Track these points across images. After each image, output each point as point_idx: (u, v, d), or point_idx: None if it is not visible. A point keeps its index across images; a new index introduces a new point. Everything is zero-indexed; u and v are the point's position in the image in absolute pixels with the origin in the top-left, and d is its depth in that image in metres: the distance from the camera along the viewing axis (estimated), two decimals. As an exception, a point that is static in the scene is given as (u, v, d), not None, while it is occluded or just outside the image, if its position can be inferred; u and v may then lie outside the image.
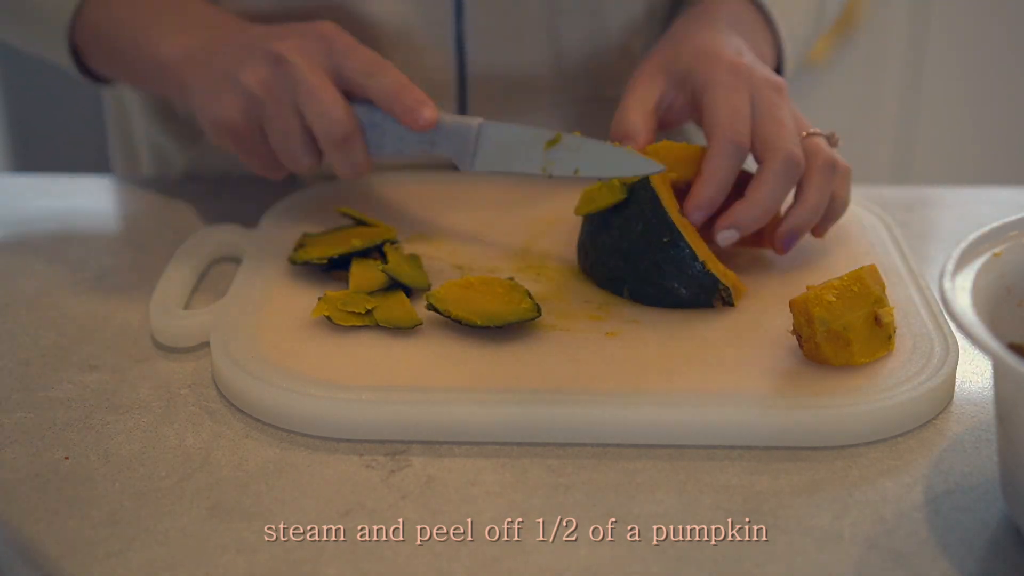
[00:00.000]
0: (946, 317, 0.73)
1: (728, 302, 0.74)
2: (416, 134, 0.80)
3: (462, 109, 0.97)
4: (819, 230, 0.81)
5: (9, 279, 0.84)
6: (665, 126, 0.84)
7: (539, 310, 0.72)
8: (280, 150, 0.81)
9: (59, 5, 0.87)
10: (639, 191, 0.76)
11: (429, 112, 0.79)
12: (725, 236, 0.77)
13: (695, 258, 0.74)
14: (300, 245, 0.81)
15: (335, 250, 0.79)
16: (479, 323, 0.70)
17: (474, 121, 0.80)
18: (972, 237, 0.62)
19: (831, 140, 0.81)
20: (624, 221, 0.76)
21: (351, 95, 0.80)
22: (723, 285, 0.74)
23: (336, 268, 0.79)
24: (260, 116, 0.80)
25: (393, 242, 0.81)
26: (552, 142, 0.78)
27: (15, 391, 0.70)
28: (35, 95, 2.50)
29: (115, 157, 1.13)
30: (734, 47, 0.83)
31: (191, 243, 0.83)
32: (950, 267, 0.59)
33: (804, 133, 0.80)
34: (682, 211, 0.76)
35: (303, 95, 0.78)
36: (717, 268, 0.75)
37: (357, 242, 0.79)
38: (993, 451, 0.64)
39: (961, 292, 0.58)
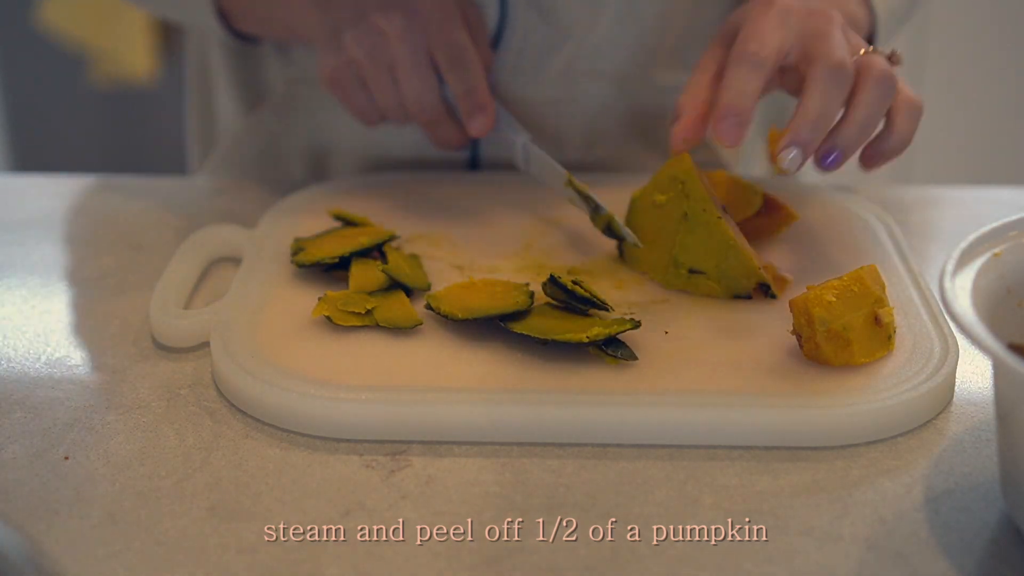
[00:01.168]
0: (946, 317, 0.73)
1: (770, 295, 0.74)
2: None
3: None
4: (869, 159, 0.78)
5: (9, 279, 0.84)
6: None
7: (532, 302, 0.72)
8: (386, 110, 0.87)
9: None
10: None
11: (480, 122, 0.86)
12: (790, 158, 0.74)
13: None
14: (298, 250, 0.80)
15: (342, 249, 0.79)
16: (459, 316, 0.70)
17: (520, 136, 0.88)
18: (972, 237, 0.62)
19: (892, 58, 0.78)
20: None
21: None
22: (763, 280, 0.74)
23: (336, 268, 0.79)
24: (362, 79, 0.86)
25: (393, 238, 0.81)
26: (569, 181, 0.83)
27: (15, 391, 0.70)
28: (35, 95, 2.50)
29: (193, 147, 1.15)
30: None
31: (191, 243, 0.83)
32: (950, 267, 0.59)
33: (861, 51, 0.76)
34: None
35: (399, 74, 0.84)
36: (756, 262, 0.74)
37: (364, 239, 0.79)
38: (993, 451, 0.64)
39: (961, 292, 0.58)
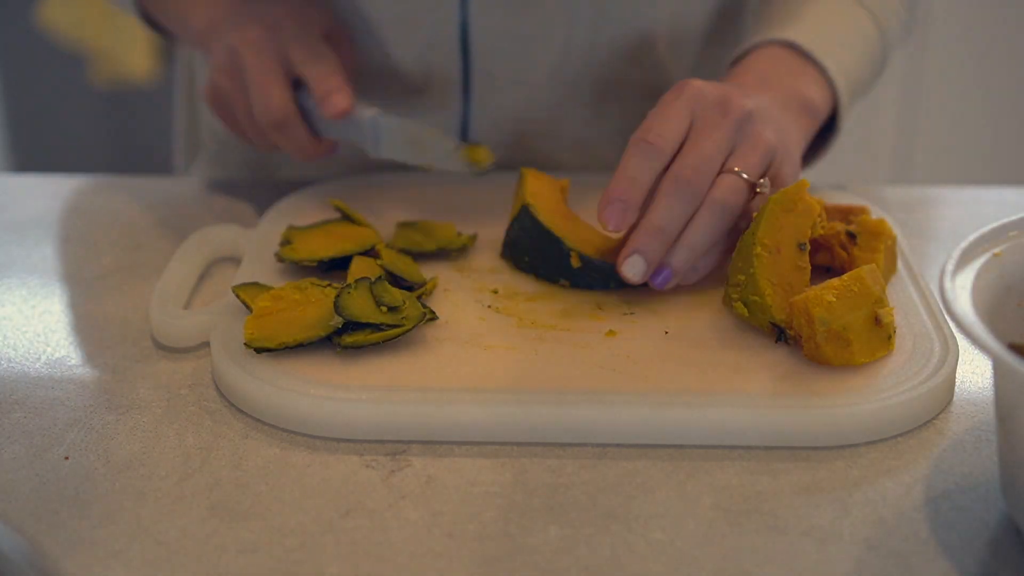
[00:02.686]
0: (946, 317, 0.73)
1: (782, 339, 0.70)
2: (331, 120, 0.86)
3: (465, 83, 0.96)
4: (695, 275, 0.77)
5: (9, 279, 0.84)
6: None
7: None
8: (246, 128, 0.89)
9: None
10: (524, 208, 0.79)
11: (341, 100, 0.84)
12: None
13: (569, 255, 0.77)
14: (286, 241, 0.80)
15: (325, 252, 0.79)
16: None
17: (369, 111, 0.86)
18: (972, 237, 0.62)
19: (756, 185, 0.76)
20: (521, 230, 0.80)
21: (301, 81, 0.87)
22: (782, 326, 0.70)
23: (336, 268, 0.79)
24: (225, 96, 0.88)
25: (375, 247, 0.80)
26: (419, 141, 0.84)
27: (15, 391, 0.70)
28: (35, 95, 2.51)
29: (179, 149, 1.16)
30: (725, 87, 0.79)
31: (191, 243, 0.83)
32: (950, 267, 0.59)
33: (730, 168, 0.75)
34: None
35: (247, 83, 0.86)
36: (783, 303, 0.71)
37: (349, 245, 0.79)
38: (993, 451, 0.64)
39: (961, 292, 0.58)
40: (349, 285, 0.71)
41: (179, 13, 0.93)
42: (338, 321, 0.69)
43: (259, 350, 0.68)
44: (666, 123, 0.76)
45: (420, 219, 0.87)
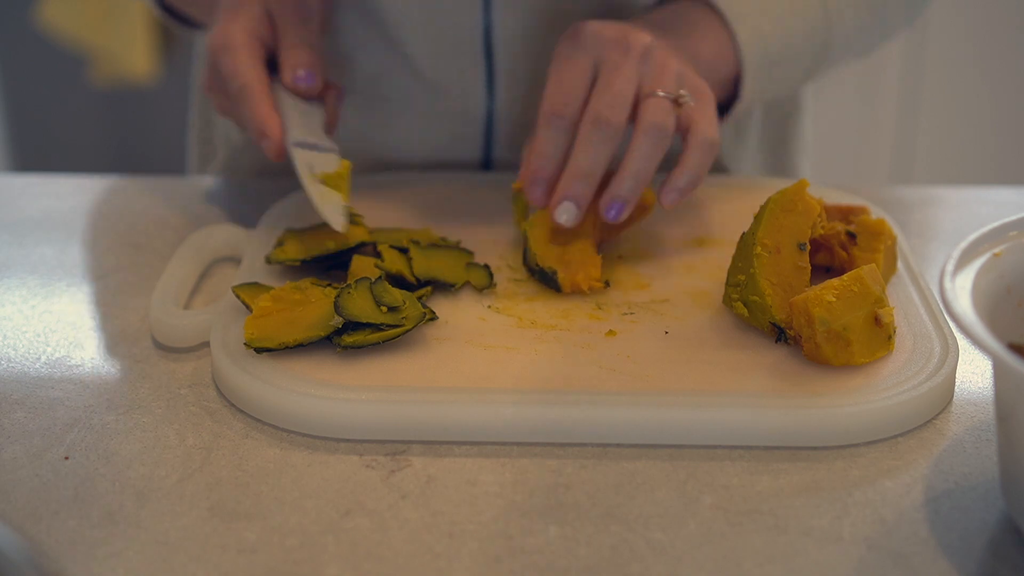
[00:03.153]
0: (946, 317, 0.73)
1: (782, 340, 0.70)
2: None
3: (489, 84, 0.96)
4: (664, 196, 0.78)
5: (9, 279, 0.84)
6: None
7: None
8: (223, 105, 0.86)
9: None
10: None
11: (271, 145, 0.82)
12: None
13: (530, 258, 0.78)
14: (279, 243, 0.80)
15: (307, 252, 0.79)
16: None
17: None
18: (972, 237, 0.62)
19: (677, 100, 0.78)
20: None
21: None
22: (782, 327, 0.70)
23: (336, 267, 0.79)
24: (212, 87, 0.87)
25: (365, 245, 0.80)
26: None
27: (15, 391, 0.70)
28: (35, 95, 2.50)
29: (190, 147, 1.16)
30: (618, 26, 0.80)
31: (191, 243, 0.83)
32: (950, 267, 0.59)
33: (648, 93, 0.77)
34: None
35: (216, 58, 0.84)
36: (783, 303, 0.71)
37: (331, 244, 0.79)
38: (993, 451, 0.64)
39: (961, 292, 0.58)
40: (349, 285, 0.71)
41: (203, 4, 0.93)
42: (338, 321, 0.69)
43: (259, 350, 0.68)
44: (569, 85, 0.78)
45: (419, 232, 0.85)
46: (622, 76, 0.77)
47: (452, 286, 0.76)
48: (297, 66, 0.84)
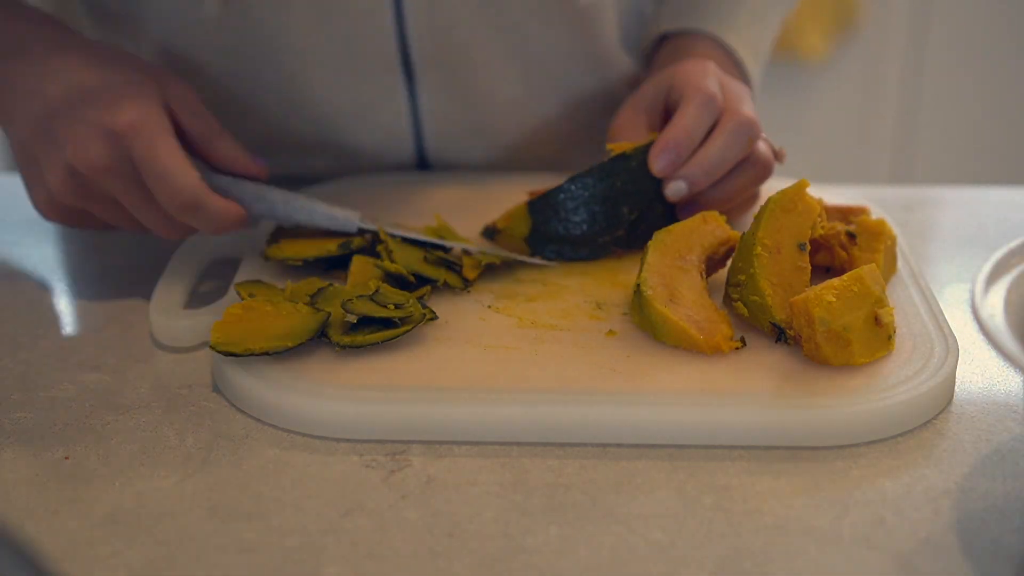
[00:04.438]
0: (946, 317, 0.73)
1: (782, 340, 0.70)
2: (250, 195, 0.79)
3: (408, 77, 0.96)
4: (706, 201, 0.82)
5: (9, 279, 0.84)
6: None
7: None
8: (145, 221, 0.75)
9: None
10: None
11: (258, 167, 0.79)
12: (673, 187, 0.80)
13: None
14: (274, 239, 0.80)
15: (308, 252, 0.79)
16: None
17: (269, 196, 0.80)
18: (999, 254, 0.62)
19: (777, 153, 0.85)
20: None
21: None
22: (782, 327, 0.70)
23: (336, 267, 0.79)
24: (101, 194, 0.74)
25: (352, 238, 0.81)
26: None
27: (15, 391, 0.70)
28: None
29: None
30: (713, 74, 0.84)
31: (191, 243, 0.83)
32: (981, 280, 0.59)
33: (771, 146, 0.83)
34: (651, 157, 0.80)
35: (143, 170, 0.72)
36: (783, 303, 0.71)
37: (332, 246, 0.79)
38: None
39: (994, 306, 0.57)
40: (349, 300, 0.71)
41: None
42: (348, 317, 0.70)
43: (225, 354, 0.68)
44: (714, 86, 0.82)
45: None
46: (747, 104, 0.83)
47: (435, 281, 0.76)
48: (244, 157, 0.79)
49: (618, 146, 0.81)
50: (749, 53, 0.95)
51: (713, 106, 0.80)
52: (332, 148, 0.97)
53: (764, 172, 0.83)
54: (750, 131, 0.80)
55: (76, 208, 0.75)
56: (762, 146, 0.83)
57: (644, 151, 0.81)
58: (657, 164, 0.80)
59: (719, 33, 0.93)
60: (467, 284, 0.77)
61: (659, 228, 0.76)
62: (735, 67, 0.94)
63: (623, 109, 0.86)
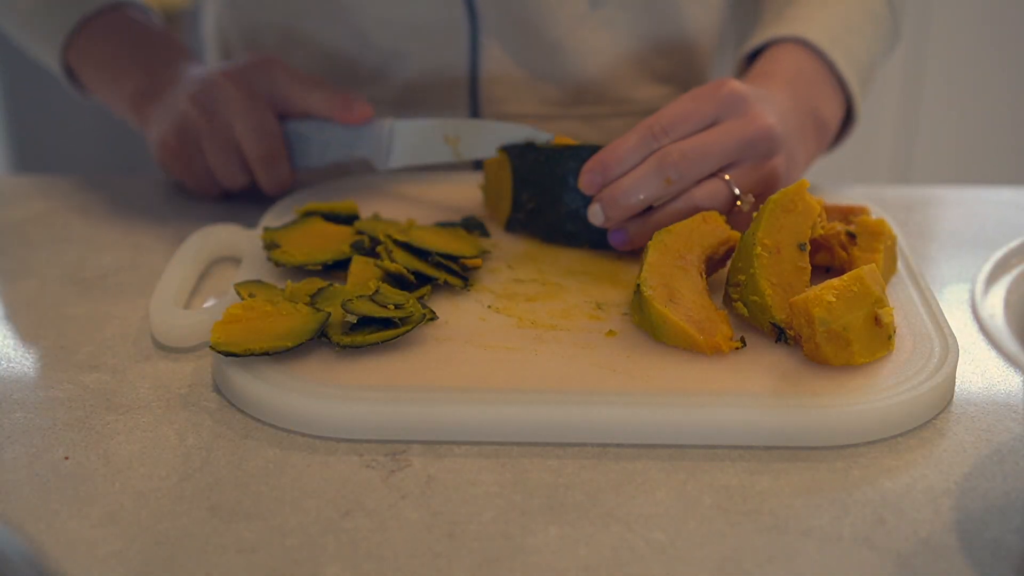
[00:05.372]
0: (946, 317, 0.73)
1: (782, 339, 0.70)
2: (338, 139, 0.88)
3: (474, 107, 0.98)
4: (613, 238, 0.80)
5: (9, 279, 0.84)
6: None
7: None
8: (215, 166, 0.89)
9: (56, 27, 0.96)
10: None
11: (361, 107, 0.87)
12: (592, 212, 0.79)
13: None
14: (272, 245, 0.80)
15: (323, 255, 0.79)
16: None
17: (387, 120, 0.88)
18: (999, 254, 0.62)
19: (741, 199, 0.79)
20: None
21: (286, 116, 0.90)
22: (782, 327, 0.70)
23: (336, 267, 0.79)
24: (196, 135, 0.89)
25: (355, 217, 0.83)
26: (455, 137, 0.85)
27: (15, 391, 0.70)
28: (35, 95, 2.50)
29: None
30: (759, 97, 0.81)
31: (191, 243, 0.83)
32: (981, 280, 0.59)
33: (723, 175, 0.78)
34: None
35: (233, 113, 0.87)
36: (783, 303, 0.71)
37: (347, 248, 0.79)
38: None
39: (994, 306, 0.57)
40: (349, 300, 0.71)
41: (115, 75, 0.95)
42: (342, 315, 0.70)
43: (225, 354, 0.68)
44: (684, 122, 0.78)
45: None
46: (721, 144, 0.78)
47: (435, 279, 0.77)
48: (351, 101, 0.88)
49: (563, 139, 0.83)
50: (842, 55, 0.90)
51: (650, 139, 0.78)
52: (390, 80, 0.99)
53: (689, 213, 0.78)
54: (671, 171, 0.76)
55: (178, 149, 0.90)
56: (701, 192, 0.78)
57: (564, 151, 0.81)
58: (582, 179, 0.79)
59: (804, 34, 0.90)
60: (467, 284, 0.77)
61: (566, 229, 0.81)
62: (828, 76, 0.90)
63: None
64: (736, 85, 0.80)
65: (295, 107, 0.89)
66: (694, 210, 0.78)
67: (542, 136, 0.82)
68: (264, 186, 0.91)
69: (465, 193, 0.93)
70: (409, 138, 0.87)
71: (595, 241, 0.82)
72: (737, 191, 0.79)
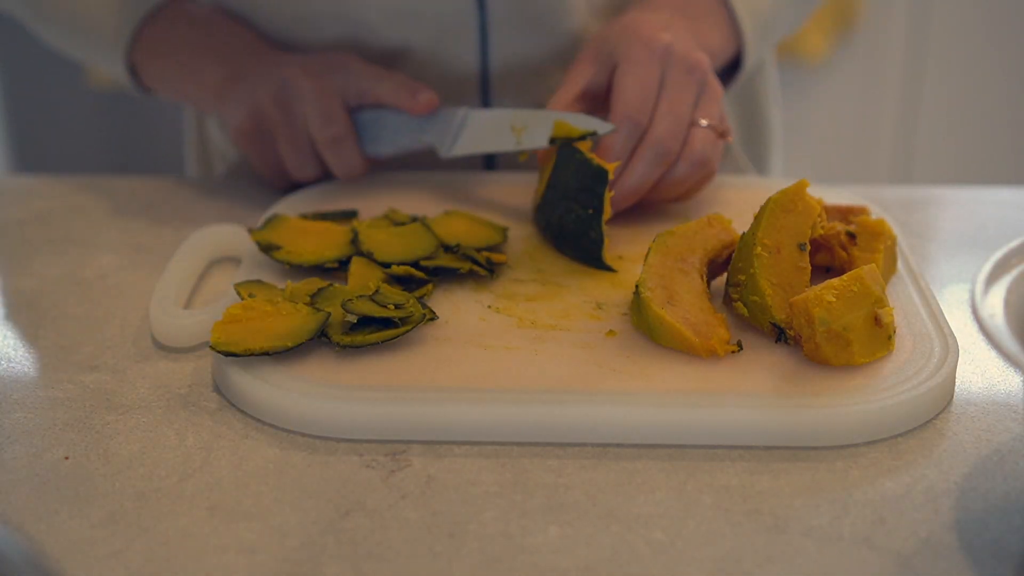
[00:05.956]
0: (946, 317, 0.73)
1: (782, 340, 0.70)
2: (408, 126, 0.89)
3: (485, 101, 0.98)
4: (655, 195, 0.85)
5: (9, 279, 0.84)
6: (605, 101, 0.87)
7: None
8: (286, 155, 0.91)
9: (118, 27, 0.96)
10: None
11: (427, 95, 0.88)
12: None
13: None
14: (271, 246, 0.80)
15: (330, 252, 0.79)
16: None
17: (461, 109, 0.89)
18: (999, 254, 0.62)
19: (720, 132, 0.85)
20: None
21: (361, 107, 0.91)
22: (782, 327, 0.70)
23: (336, 268, 0.79)
24: (271, 129, 0.90)
25: (352, 214, 0.85)
26: (522, 127, 0.85)
27: (15, 391, 0.70)
28: (35, 95, 2.50)
29: (189, 158, 1.19)
30: (660, 22, 0.85)
31: (191, 243, 0.83)
32: (981, 280, 0.59)
33: (698, 121, 0.83)
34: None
35: (305, 104, 0.88)
36: (783, 303, 0.70)
37: (330, 254, 0.79)
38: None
39: (994, 306, 0.57)
40: (349, 300, 0.71)
41: (190, 70, 0.95)
42: (340, 315, 0.70)
43: (225, 354, 0.68)
44: (648, 97, 0.82)
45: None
46: (684, 102, 0.83)
47: (456, 271, 0.77)
48: (419, 90, 0.89)
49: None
50: (743, 8, 0.94)
51: (633, 129, 0.81)
52: (400, 61, 0.99)
53: (701, 171, 0.84)
54: (664, 155, 0.82)
55: (253, 139, 0.92)
56: (697, 146, 0.83)
57: (599, 173, 0.80)
58: (612, 208, 0.81)
59: None
60: (492, 273, 0.79)
61: (558, 236, 0.82)
62: (722, 13, 0.93)
63: (557, 92, 0.86)
64: (657, 34, 0.83)
65: (366, 98, 0.90)
66: (701, 167, 0.83)
67: (605, 127, 0.81)
68: (335, 170, 0.91)
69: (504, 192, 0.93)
70: (479, 126, 0.88)
71: (581, 259, 0.82)
72: (713, 125, 0.84)
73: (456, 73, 0.97)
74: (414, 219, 0.83)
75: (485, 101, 0.99)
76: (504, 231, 0.83)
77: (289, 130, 0.90)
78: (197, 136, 1.15)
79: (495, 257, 0.79)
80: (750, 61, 0.96)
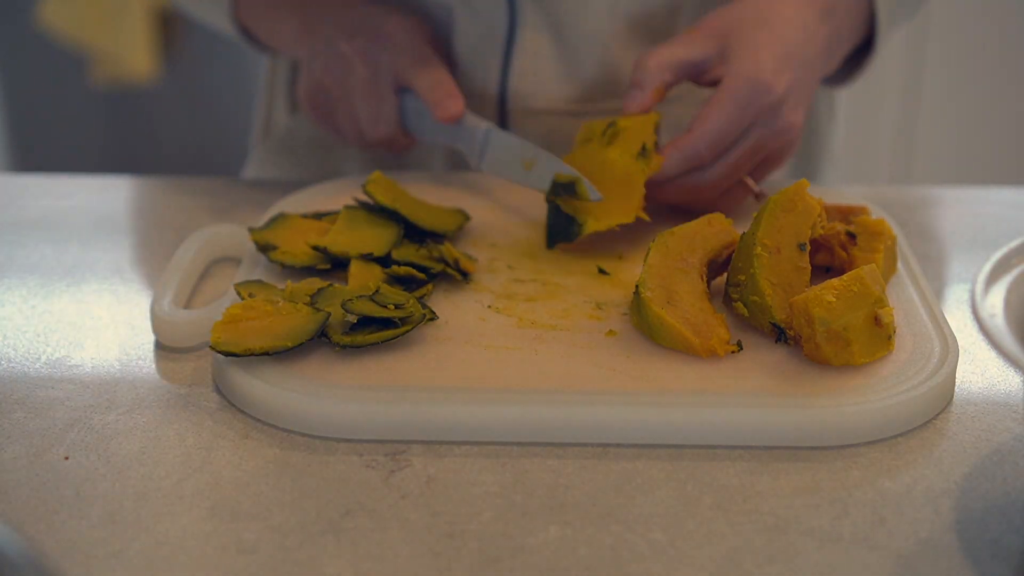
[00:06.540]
0: (946, 317, 0.73)
1: (782, 340, 0.70)
2: (442, 126, 0.89)
3: (501, 100, 0.97)
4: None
5: (9, 279, 0.84)
6: (698, 83, 0.87)
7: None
8: (345, 131, 0.93)
9: None
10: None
11: (455, 105, 0.87)
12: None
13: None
14: (268, 247, 0.80)
15: (312, 258, 0.79)
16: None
17: (484, 124, 0.88)
18: (999, 254, 0.62)
19: (756, 194, 0.85)
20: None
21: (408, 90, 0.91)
22: (782, 327, 0.70)
23: (336, 268, 0.79)
24: (329, 101, 0.92)
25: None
26: (531, 161, 0.85)
27: (15, 391, 0.70)
28: (35, 95, 2.51)
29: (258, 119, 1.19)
30: (786, 48, 0.83)
31: (191, 243, 0.83)
32: (981, 280, 0.59)
33: (744, 179, 0.84)
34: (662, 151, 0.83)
35: (358, 97, 0.90)
36: (783, 303, 0.71)
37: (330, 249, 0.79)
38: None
39: (994, 306, 0.57)
40: (349, 300, 0.71)
41: (272, 18, 0.97)
42: (340, 315, 0.70)
43: (225, 354, 0.68)
44: (723, 137, 0.82)
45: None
46: (750, 161, 0.84)
47: (429, 270, 0.77)
48: (444, 97, 0.88)
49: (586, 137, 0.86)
50: None
51: (691, 161, 0.82)
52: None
53: (782, 144, 0.84)
54: (703, 194, 0.83)
55: (315, 108, 0.93)
56: (726, 199, 0.84)
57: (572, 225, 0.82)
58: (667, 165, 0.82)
59: None
60: (466, 278, 0.78)
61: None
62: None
63: (656, 51, 0.85)
64: (772, 82, 0.81)
65: (405, 83, 0.90)
66: (710, 209, 0.81)
67: (594, 194, 0.81)
68: (386, 151, 0.94)
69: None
70: (499, 150, 0.88)
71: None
72: (756, 189, 0.85)
73: (478, 74, 0.97)
74: (382, 208, 0.82)
75: (502, 101, 0.98)
76: (465, 215, 0.85)
77: (345, 111, 0.91)
78: (264, 115, 1.15)
79: (466, 265, 0.79)
80: (882, 46, 0.93)
